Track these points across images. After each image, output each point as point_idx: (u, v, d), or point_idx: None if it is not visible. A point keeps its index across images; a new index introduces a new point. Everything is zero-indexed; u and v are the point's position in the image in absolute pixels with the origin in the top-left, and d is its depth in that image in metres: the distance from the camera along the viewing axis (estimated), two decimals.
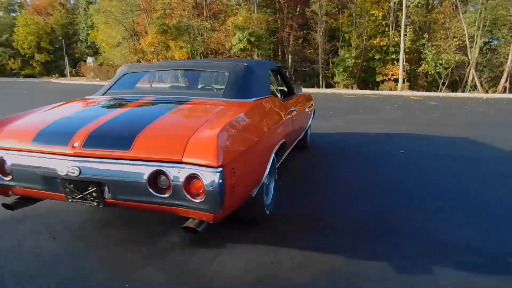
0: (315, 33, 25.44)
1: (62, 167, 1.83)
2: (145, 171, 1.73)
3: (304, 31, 27.44)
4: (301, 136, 4.47)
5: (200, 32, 25.62)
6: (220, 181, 1.64)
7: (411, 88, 22.35)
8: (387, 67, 22.63)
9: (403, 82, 21.53)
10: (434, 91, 21.55)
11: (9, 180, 2.03)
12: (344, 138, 6.05)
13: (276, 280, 1.87)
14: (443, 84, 21.35)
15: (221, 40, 24.53)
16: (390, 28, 22.88)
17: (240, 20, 21.32)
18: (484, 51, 21.30)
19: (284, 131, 2.90)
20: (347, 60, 22.38)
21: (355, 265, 2.03)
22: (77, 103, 2.71)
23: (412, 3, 20.46)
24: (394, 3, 21.70)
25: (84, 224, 2.57)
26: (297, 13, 28.15)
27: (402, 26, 20.68)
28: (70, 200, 1.93)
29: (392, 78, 22.12)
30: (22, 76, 49.87)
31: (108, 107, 2.53)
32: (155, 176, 1.74)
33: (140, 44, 26.94)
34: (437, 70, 20.85)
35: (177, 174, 1.69)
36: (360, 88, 22.82)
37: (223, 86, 2.75)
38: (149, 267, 1.99)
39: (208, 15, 26.30)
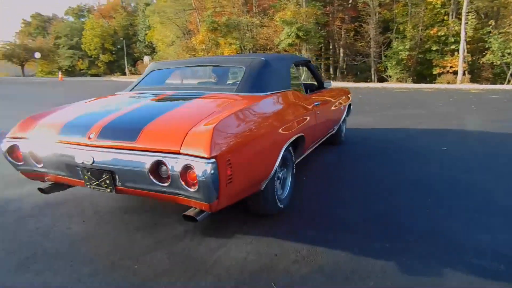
0: (367, 26, 24.52)
1: (80, 156, 2.04)
2: (147, 161, 1.86)
3: (356, 24, 26.56)
4: (333, 131, 4.48)
5: (249, 29, 25.88)
6: (212, 171, 1.71)
7: (472, 81, 20.72)
8: (446, 58, 21.20)
9: (464, 74, 20.02)
10: (501, 83, 19.74)
11: (41, 167, 2.29)
12: (382, 134, 5.83)
13: (274, 272, 1.91)
14: (501, 74, 19.50)
15: (270, 35, 24.58)
16: (450, 17, 21.34)
17: (288, 15, 21.21)
18: None
19: (303, 125, 2.88)
20: (400, 52, 21.33)
21: (357, 263, 2.00)
22: (104, 99, 2.96)
23: None
24: None
25: (111, 210, 2.79)
26: (349, 5, 27.33)
27: (463, 14, 19.20)
28: (88, 186, 2.13)
29: (450, 71, 20.70)
30: (89, 75, 54.19)
31: (128, 102, 2.71)
32: (157, 166, 1.87)
33: (191, 42, 27.89)
34: (505, 60, 19.05)
35: (175, 164, 1.79)
36: (416, 82, 21.63)
37: (245, 79, 2.78)
38: (158, 252, 2.13)
39: (257, 11, 26.46)
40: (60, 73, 34.49)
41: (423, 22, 22.09)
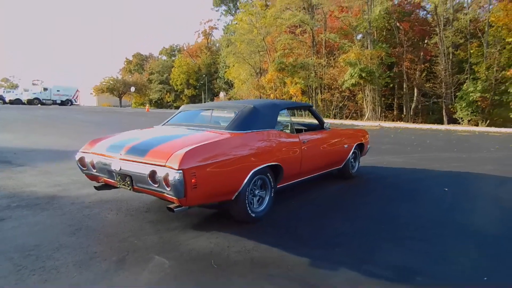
0: (437, 66, 24.04)
1: (114, 165, 3.24)
2: (147, 170, 2.92)
3: (427, 64, 26.17)
4: (339, 166, 5.21)
5: (315, 69, 27.09)
6: (179, 178, 2.70)
7: None
8: None
9: None
10: None
11: (95, 172, 3.57)
12: (400, 173, 6.25)
13: (218, 256, 2.80)
14: None
15: (335, 75, 25.43)
16: None
17: (352, 56, 21.96)
18: None
19: (279, 156, 3.73)
20: (471, 94, 20.45)
21: (280, 259, 2.79)
22: (142, 130, 4.25)
23: None
24: None
25: (137, 209, 3.93)
26: (420, 45, 27.13)
27: None
28: (119, 185, 3.32)
29: None
30: (174, 107, 60.00)
31: (152, 132, 3.92)
32: (152, 173, 2.88)
33: (261, 80, 29.97)
34: None
35: (161, 172, 2.82)
36: (491, 125, 20.37)
37: (233, 120, 3.79)
38: (155, 236, 3.16)
39: (325, 53, 27.66)
40: (147, 105, 39.16)
41: (499, 63, 21.00)
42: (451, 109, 23.29)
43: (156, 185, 2.91)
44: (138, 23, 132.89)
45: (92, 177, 3.73)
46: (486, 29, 22.15)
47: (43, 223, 3.52)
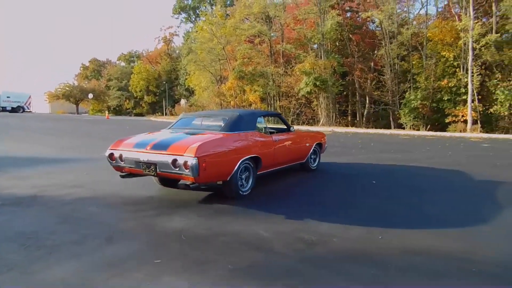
0: (384, 76, 26.18)
1: (142, 157, 4.43)
2: (170, 159, 4.14)
3: (376, 74, 28.30)
4: (302, 160, 6.61)
5: (273, 77, 28.40)
6: (195, 163, 3.95)
7: (488, 130, 21.38)
8: (458, 108, 22.11)
9: (476, 123, 20.80)
10: None
11: (123, 164, 4.70)
12: (344, 167, 7.34)
13: (189, 232, 3.58)
14: None
15: (292, 83, 26.84)
16: (462, 69, 22.52)
17: (307, 66, 23.42)
18: None
19: (258, 150, 5.05)
20: (413, 101, 22.58)
21: (247, 226, 3.63)
22: (156, 132, 5.44)
23: (479, 44, 20.13)
24: (465, 43, 21.50)
25: (115, 202, 4.61)
26: (370, 56, 29.26)
27: (469, 67, 20.41)
28: (144, 172, 4.45)
29: (462, 120, 21.52)
30: (133, 114, 59.15)
31: (166, 134, 5.13)
32: (174, 161, 4.11)
33: (221, 88, 30.81)
34: None
35: (181, 160, 4.05)
36: (430, 130, 22.56)
37: (224, 124, 5.14)
38: (133, 221, 3.89)
39: (282, 62, 29.06)
40: (107, 112, 38.57)
41: (435, 74, 23.38)
42: (397, 115, 25.40)
43: (177, 169, 4.15)
44: (95, 28, 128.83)
45: (119, 168, 4.89)
46: (424, 43, 24.54)
47: (33, 216, 4.11)
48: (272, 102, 29.56)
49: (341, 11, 27.41)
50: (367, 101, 29.03)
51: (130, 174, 4.88)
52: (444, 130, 22.02)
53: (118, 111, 61.59)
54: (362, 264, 2.88)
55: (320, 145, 7.21)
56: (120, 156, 4.70)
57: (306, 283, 2.55)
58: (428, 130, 22.38)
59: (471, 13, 20.49)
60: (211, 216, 4.09)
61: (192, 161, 3.97)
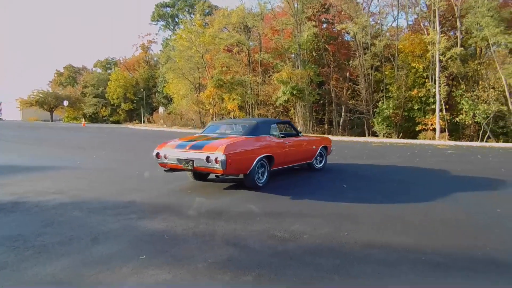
0: (358, 86, 27.15)
1: (182, 155, 5.80)
2: (204, 156, 5.44)
3: (350, 83, 29.26)
4: (309, 161, 7.84)
5: (251, 86, 28.89)
6: (224, 159, 5.25)
7: (456, 138, 22.52)
8: (427, 117, 23.18)
9: (444, 131, 21.88)
10: (476, 141, 21.44)
11: (167, 161, 6.01)
12: (320, 172, 7.75)
13: (167, 232, 3.84)
14: (484, 133, 21.26)
15: (270, 92, 27.39)
16: (430, 80, 23.68)
17: (284, 75, 24.02)
18: None
19: (271, 151, 6.31)
20: (385, 110, 23.52)
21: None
22: (191, 136, 6.80)
23: (445, 57, 21.30)
24: (433, 56, 22.67)
25: (97, 207, 4.80)
26: (345, 66, 30.25)
27: (436, 78, 21.55)
28: (184, 167, 5.78)
29: (430, 128, 22.58)
30: (110, 122, 58.19)
31: (199, 137, 6.53)
32: (207, 157, 5.38)
33: (200, 96, 31.02)
34: (476, 120, 20.96)
35: (212, 157, 5.33)
36: (403, 138, 23.52)
37: (245, 130, 6.56)
38: (116, 223, 4.11)
39: (260, 71, 29.62)
40: (83, 119, 37.88)
41: (406, 84, 24.49)
42: (371, 124, 26.32)
43: (209, 164, 5.42)
44: (70, 34, 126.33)
45: (163, 165, 6.21)
46: (396, 54, 25.67)
47: (17, 220, 4.26)
48: (250, 110, 29.99)
49: (317, 22, 28.27)
50: (343, 110, 29.90)
51: (172, 169, 6.22)
52: (415, 138, 23.00)
53: (94, 118, 60.44)
54: (328, 257, 3.24)
55: (326, 148, 8.45)
56: (165, 155, 6.03)
57: (276, 273, 2.88)
58: (400, 138, 23.32)
59: (438, 28, 21.68)
60: (190, 218, 4.37)
61: (221, 157, 5.26)
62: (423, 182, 7.21)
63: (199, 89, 33.80)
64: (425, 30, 23.96)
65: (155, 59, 62.98)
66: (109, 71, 67.00)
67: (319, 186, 6.63)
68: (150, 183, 6.70)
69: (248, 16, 28.67)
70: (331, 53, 30.51)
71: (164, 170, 6.32)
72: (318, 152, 8.04)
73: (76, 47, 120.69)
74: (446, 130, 22.26)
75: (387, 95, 25.61)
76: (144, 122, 47.87)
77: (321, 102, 31.15)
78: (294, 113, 27.21)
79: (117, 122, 57.51)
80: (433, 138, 21.76)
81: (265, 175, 6.23)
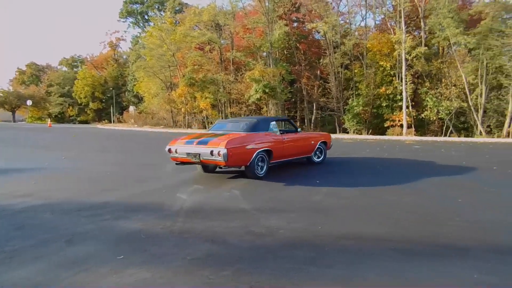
0: (329, 84, 27.72)
1: (191, 149, 6.61)
2: (209, 150, 6.22)
3: (321, 81, 29.81)
4: (308, 155, 8.43)
5: (223, 84, 28.81)
6: (225, 152, 6.02)
7: (422, 133, 23.47)
8: (395, 113, 24.03)
9: (410, 127, 22.76)
10: (441, 136, 22.48)
11: (177, 155, 6.79)
12: (289, 169, 7.90)
13: (144, 232, 3.83)
14: (447, 128, 22.32)
15: (242, 90, 27.43)
16: (397, 78, 24.55)
17: (256, 73, 24.13)
18: (492, 97, 22.12)
19: (270, 145, 6.97)
20: (355, 107, 24.16)
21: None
22: (199, 133, 8.28)
23: (410, 55, 22.15)
24: (399, 54, 23.49)
25: (69, 208, 4.70)
26: (316, 64, 30.75)
27: (403, 76, 22.38)
28: (192, 160, 6.57)
29: (398, 124, 23.43)
30: (77, 122, 56.21)
31: (206, 134, 7.26)
32: (211, 151, 6.16)
33: (172, 95, 30.59)
34: (440, 116, 21.96)
35: (215, 151, 6.11)
36: (372, 134, 24.26)
37: (245, 127, 7.14)
38: (91, 225, 4.04)
39: (232, 69, 29.58)
40: (49, 120, 36.39)
41: (375, 82, 25.27)
42: (342, 121, 26.96)
43: (213, 157, 6.16)
44: (32, 30, 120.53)
45: (174, 158, 6.94)
46: (365, 53, 26.40)
47: None
48: (223, 108, 29.90)
49: (288, 21, 28.57)
50: (314, 107, 30.43)
51: (182, 163, 6.98)
52: (384, 134, 23.80)
53: (60, 118, 58.13)
54: (304, 249, 3.35)
55: (325, 143, 8.99)
56: (176, 150, 6.80)
57: (254, 267, 2.96)
58: (370, 134, 24.04)
59: (403, 28, 22.50)
60: (167, 217, 4.36)
61: (223, 151, 6.03)
62: (392, 175, 7.51)
63: (170, 87, 33.31)
64: (391, 30, 24.79)
65: (125, 57, 61.36)
66: (75, 69, 64.65)
67: (293, 181, 6.77)
68: (123, 183, 6.60)
69: (219, 14, 28.55)
70: (302, 52, 30.92)
71: (176, 163, 7.06)
72: (317, 147, 8.63)
73: (39, 44, 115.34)
74: (413, 126, 23.15)
75: (356, 92, 26.30)
76: (114, 121, 46.60)
77: (293, 100, 31.52)
78: (266, 111, 27.39)
79: (85, 122, 55.66)
80: (401, 134, 22.59)
81: (264, 167, 6.91)
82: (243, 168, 6.86)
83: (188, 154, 6.59)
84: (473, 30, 21.65)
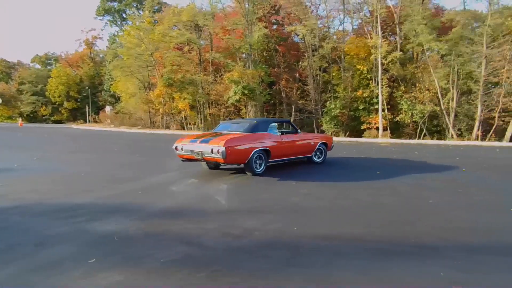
0: (307, 86, 28.05)
1: (195, 147, 7.16)
2: (209, 148, 6.81)
3: (300, 84, 30.12)
4: (309, 154, 8.94)
5: (202, 85, 28.65)
6: (224, 150, 6.59)
7: (395, 135, 24.09)
8: (371, 116, 24.59)
9: (385, 130, 23.35)
10: (415, 138, 23.15)
11: (183, 152, 7.43)
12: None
13: (118, 234, 3.76)
14: (421, 131, 23.02)
15: (221, 92, 27.37)
16: (374, 81, 25.12)
17: (235, 75, 24.14)
18: (462, 102, 22.98)
19: (268, 145, 7.49)
20: (333, 110, 24.54)
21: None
22: (203, 133, 9.09)
23: (386, 60, 22.75)
24: (375, 59, 24.06)
25: (41, 211, 4.55)
26: (295, 67, 31.05)
27: (379, 80, 22.93)
28: (196, 157, 7.19)
29: (374, 127, 23.98)
30: (51, 121, 54.44)
31: (209, 134, 7.82)
32: (212, 149, 6.74)
33: (150, 95, 30.16)
34: (414, 120, 22.63)
35: (215, 149, 6.69)
36: (349, 136, 24.71)
37: (245, 128, 7.72)
38: (64, 227, 3.93)
39: (211, 70, 29.46)
40: (20, 119, 35.12)
41: (352, 85, 25.78)
42: (320, 123, 27.34)
43: (213, 154, 6.72)
44: (1, 25, 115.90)
45: (181, 155, 7.55)
46: (342, 57, 26.89)
47: None
48: (202, 109, 29.71)
49: (267, 24, 28.77)
50: (293, 110, 30.71)
51: (188, 160, 7.57)
52: (360, 136, 24.31)
53: (33, 117, 56.14)
54: (279, 250, 3.38)
55: (325, 144, 9.44)
56: (182, 148, 7.44)
57: (230, 268, 2.96)
58: (347, 136, 24.50)
59: (380, 33, 23.08)
60: (142, 219, 4.30)
61: (222, 149, 6.59)
62: (368, 176, 7.68)
63: (148, 87, 32.84)
64: (368, 35, 25.40)
65: (101, 55, 60.01)
66: (49, 67, 62.70)
67: (263, 185, 6.81)
68: (98, 184, 6.45)
69: (199, 15, 28.38)
70: (281, 54, 31.15)
71: (182, 160, 7.67)
72: (317, 147, 9.12)
73: (10, 40, 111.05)
74: (388, 128, 23.78)
75: (334, 95, 26.74)
76: (89, 121, 45.45)
77: (272, 102, 31.70)
78: (245, 112, 27.44)
79: (59, 122, 54.01)
80: (377, 136, 23.13)
81: (263, 165, 7.47)
82: (242, 165, 7.38)
83: (192, 151, 7.20)
84: (445, 37, 22.50)
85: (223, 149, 6.53)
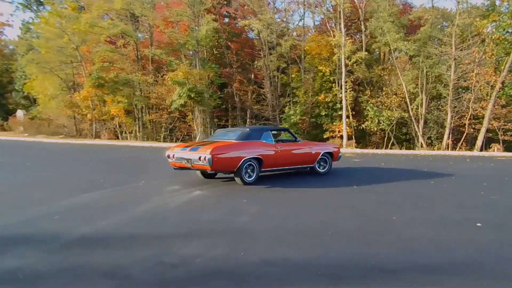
0: (263, 89, 28.55)
1: (184, 155, 8.22)
2: (197, 156, 7.78)
3: (255, 86, 30.56)
4: (309, 164, 9.77)
5: (140, 87, 28.10)
6: (210, 158, 7.51)
7: (360, 145, 25.13)
8: (335, 123, 25.48)
9: (349, 139, 24.28)
10: (382, 148, 24.34)
11: (174, 160, 8.45)
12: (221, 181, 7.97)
13: (34, 265, 3.59)
14: (389, 140, 24.26)
15: (163, 95, 27.00)
16: (337, 85, 26.12)
17: (180, 75, 23.96)
18: (432, 108, 24.56)
19: (261, 153, 8.33)
20: (292, 117, 25.10)
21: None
22: (193, 141, 9.13)
23: (351, 61, 23.82)
24: (339, 59, 25.06)
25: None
26: (249, 67, 31.47)
27: (343, 83, 23.90)
28: (186, 165, 8.14)
29: (338, 135, 24.88)
30: None
31: (200, 142, 9.57)
32: (199, 157, 7.68)
33: (75, 97, 29.03)
34: (381, 127, 23.81)
35: (202, 156, 7.63)
36: None
37: (237, 136, 8.69)
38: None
39: (151, 69, 29.01)
40: None
41: (313, 88, 26.63)
42: None
43: (201, 162, 7.60)
44: None
45: (173, 164, 8.52)
46: (303, 56, 27.74)
47: None
48: (140, 115, 29.01)
49: (218, 16, 28.92)
50: (248, 116, 31.06)
51: (180, 168, 8.53)
52: None
53: None
54: (223, 279, 3.41)
55: (330, 154, 10.17)
56: (173, 156, 8.44)
57: None
58: None
59: (343, 30, 24.14)
60: (56, 250, 4.14)
61: (208, 156, 7.47)
62: (325, 192, 7.97)
63: (73, 88, 31.58)
64: (331, 32, 26.45)
65: (11, 47, 56.70)
66: None
67: (212, 202, 6.84)
68: (3, 208, 6.10)
69: (135, 3, 27.89)
70: (234, 52, 31.45)
71: (174, 168, 8.73)
72: (320, 157, 9.82)
73: None
74: (353, 137, 24.75)
75: (293, 100, 27.43)
76: None
77: (224, 106, 31.82)
78: (192, 119, 27.25)
79: None
80: (341, 146, 23.97)
81: (254, 174, 8.29)
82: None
83: (182, 159, 8.16)
84: (413, 36, 24.04)
85: (210, 156, 7.41)
